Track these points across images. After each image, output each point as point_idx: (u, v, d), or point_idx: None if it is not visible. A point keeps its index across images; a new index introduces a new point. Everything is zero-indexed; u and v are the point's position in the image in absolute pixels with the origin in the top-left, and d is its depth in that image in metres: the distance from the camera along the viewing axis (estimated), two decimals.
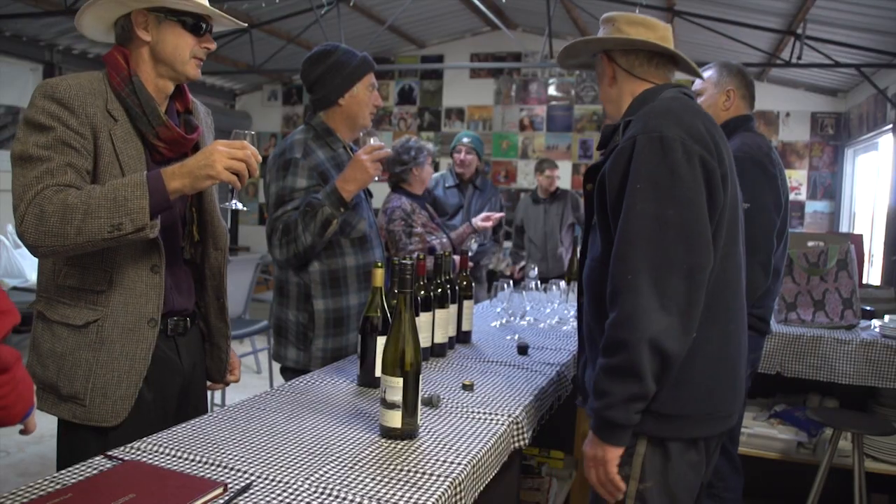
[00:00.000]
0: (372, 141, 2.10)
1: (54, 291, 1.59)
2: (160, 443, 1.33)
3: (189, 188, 1.49)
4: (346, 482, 1.19)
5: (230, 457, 1.27)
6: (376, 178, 2.10)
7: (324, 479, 1.20)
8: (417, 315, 1.94)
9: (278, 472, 1.22)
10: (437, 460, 1.30)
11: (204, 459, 1.26)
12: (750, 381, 2.47)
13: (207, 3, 1.62)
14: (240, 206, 1.61)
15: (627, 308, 1.38)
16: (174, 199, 1.50)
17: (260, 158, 1.53)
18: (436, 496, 1.16)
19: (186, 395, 1.78)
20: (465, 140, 4.40)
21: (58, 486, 1.12)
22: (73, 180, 1.47)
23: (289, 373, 2.26)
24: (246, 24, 1.82)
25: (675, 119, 1.46)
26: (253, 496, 1.13)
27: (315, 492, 1.15)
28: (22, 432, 1.14)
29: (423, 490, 1.17)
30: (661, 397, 1.45)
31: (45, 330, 1.59)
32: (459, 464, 1.29)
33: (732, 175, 1.53)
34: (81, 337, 1.56)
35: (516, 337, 2.45)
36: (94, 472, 1.19)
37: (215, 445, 1.33)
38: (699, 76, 1.79)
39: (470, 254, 3.45)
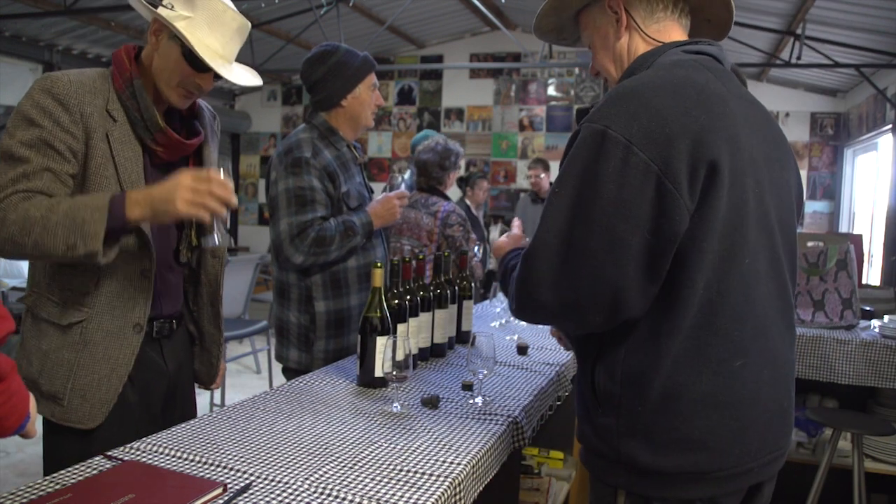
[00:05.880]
0: (401, 179, 2.45)
1: (45, 288, 1.59)
2: (160, 443, 1.33)
3: (150, 220, 1.47)
4: (345, 482, 1.19)
5: (230, 457, 1.28)
6: None
7: (323, 479, 1.20)
8: (417, 315, 1.94)
9: (278, 472, 1.22)
10: (437, 460, 1.30)
11: (203, 459, 1.26)
12: None
13: (224, 62, 1.55)
14: (217, 241, 1.56)
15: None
16: (134, 226, 1.48)
17: (231, 185, 1.47)
18: (435, 496, 1.16)
19: (173, 396, 1.76)
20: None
21: (57, 487, 1.12)
22: (45, 186, 1.45)
23: (291, 373, 2.27)
24: (255, 82, 1.71)
25: (640, 106, 1.13)
26: (252, 496, 1.13)
27: (315, 492, 1.15)
28: (23, 436, 1.13)
29: (422, 490, 1.17)
30: (636, 446, 1.17)
31: (32, 326, 1.59)
32: (459, 464, 1.29)
33: (756, 170, 1.19)
34: (65, 337, 1.55)
35: (516, 337, 2.45)
36: (94, 472, 1.19)
37: (215, 445, 1.33)
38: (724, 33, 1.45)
39: (477, 259, 3.45)
